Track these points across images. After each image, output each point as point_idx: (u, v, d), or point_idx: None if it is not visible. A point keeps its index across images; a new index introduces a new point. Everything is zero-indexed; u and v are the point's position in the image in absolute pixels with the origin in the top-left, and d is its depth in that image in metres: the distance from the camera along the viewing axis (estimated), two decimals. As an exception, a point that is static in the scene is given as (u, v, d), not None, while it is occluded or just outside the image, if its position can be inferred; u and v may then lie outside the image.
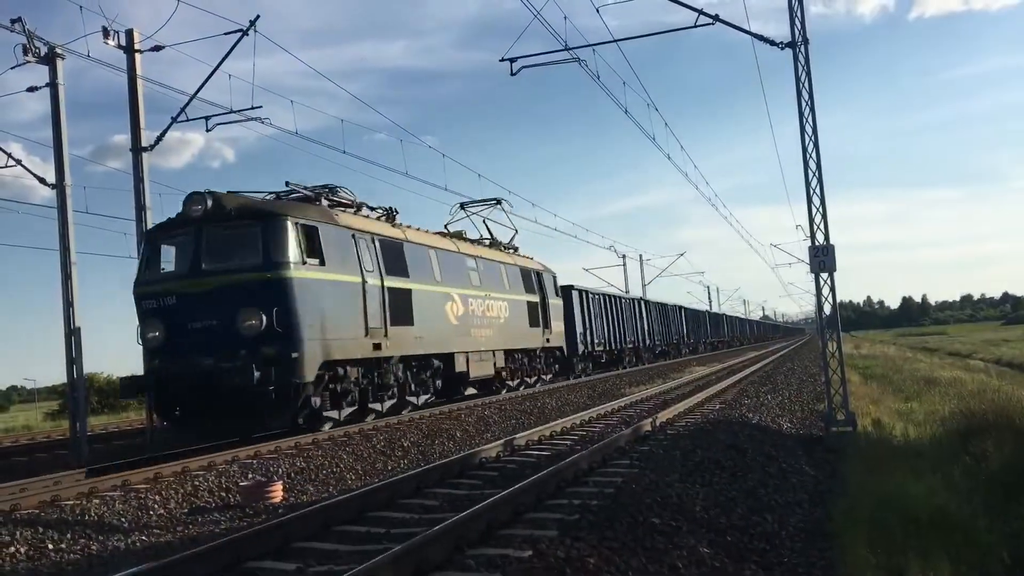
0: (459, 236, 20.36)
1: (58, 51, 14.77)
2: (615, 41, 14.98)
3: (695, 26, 13.50)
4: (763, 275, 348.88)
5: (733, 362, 39.65)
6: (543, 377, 23.97)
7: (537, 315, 22.79)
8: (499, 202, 23.15)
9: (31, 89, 15.24)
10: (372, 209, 16.12)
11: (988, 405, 12.64)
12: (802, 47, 12.83)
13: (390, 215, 16.60)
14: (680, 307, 51.13)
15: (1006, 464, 8.58)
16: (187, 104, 16.08)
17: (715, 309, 78.63)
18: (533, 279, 23.19)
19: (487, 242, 22.33)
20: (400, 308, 14.89)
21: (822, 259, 12.61)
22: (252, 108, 16.78)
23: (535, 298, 22.82)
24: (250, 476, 9.60)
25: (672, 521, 6.44)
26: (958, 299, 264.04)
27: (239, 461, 10.52)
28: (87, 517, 7.75)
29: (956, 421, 12.15)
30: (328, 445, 11.87)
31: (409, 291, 15.39)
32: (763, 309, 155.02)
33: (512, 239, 24.01)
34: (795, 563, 5.84)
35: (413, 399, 16.00)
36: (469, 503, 7.29)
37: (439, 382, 16.99)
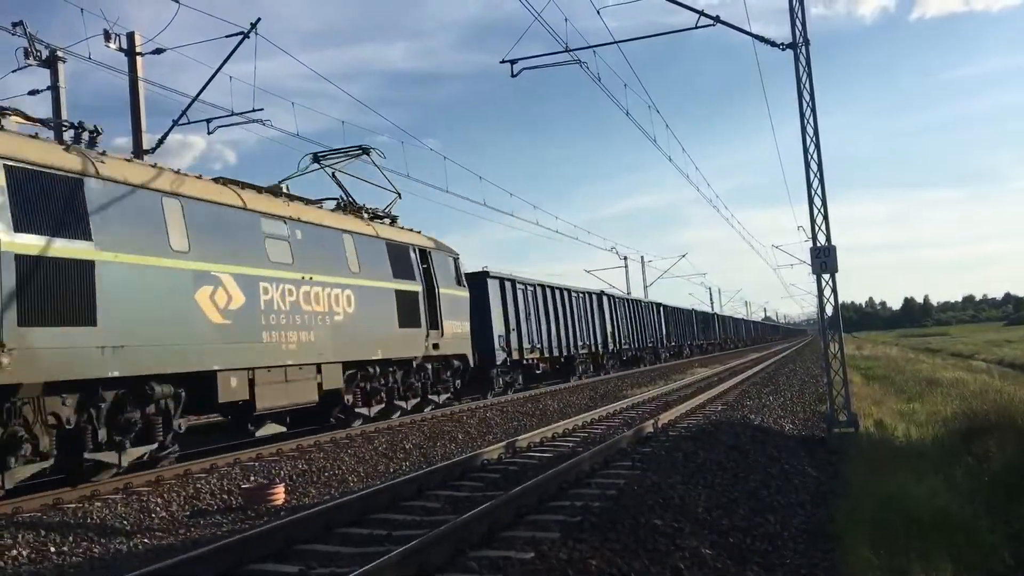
0: (273, 190, 13.80)
1: (59, 54, 14.82)
2: (616, 43, 14.99)
3: (696, 27, 13.53)
4: (765, 276, 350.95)
5: (735, 363, 39.69)
6: (432, 398, 17.28)
7: (417, 311, 16.21)
8: (367, 152, 17.15)
9: (33, 92, 15.30)
10: (43, 123, 10.09)
11: (990, 406, 12.65)
12: (803, 48, 12.85)
13: (80, 134, 10.03)
14: (658, 304, 44.79)
15: (1008, 465, 8.58)
16: (188, 106, 16.13)
17: (709, 309, 76.28)
18: (413, 260, 16.58)
19: (331, 203, 16.01)
20: (55, 294, 8.58)
21: (824, 260, 12.61)
22: (253, 110, 16.88)
23: (414, 287, 16.27)
24: (252, 478, 9.62)
25: (674, 522, 6.44)
26: (960, 300, 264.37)
27: (241, 463, 10.54)
28: (89, 520, 7.76)
29: (958, 422, 12.16)
30: (330, 447, 11.89)
31: (89, 264, 9.03)
32: (765, 310, 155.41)
33: (390, 205, 17.68)
34: (797, 564, 5.84)
35: (108, 457, 9.39)
36: (471, 505, 7.30)
37: (180, 422, 10.52)
